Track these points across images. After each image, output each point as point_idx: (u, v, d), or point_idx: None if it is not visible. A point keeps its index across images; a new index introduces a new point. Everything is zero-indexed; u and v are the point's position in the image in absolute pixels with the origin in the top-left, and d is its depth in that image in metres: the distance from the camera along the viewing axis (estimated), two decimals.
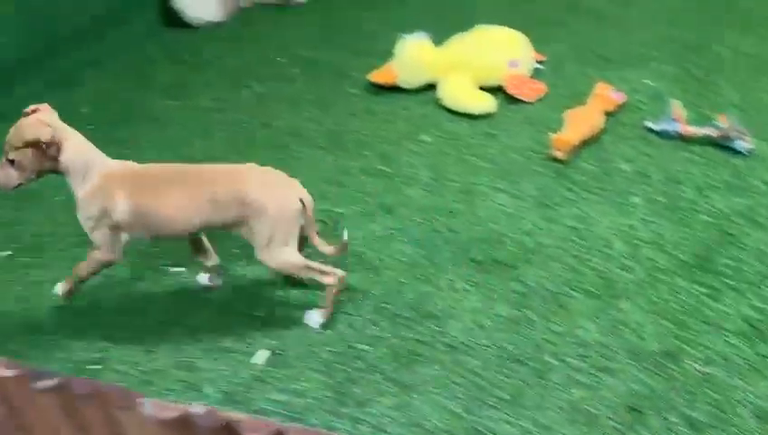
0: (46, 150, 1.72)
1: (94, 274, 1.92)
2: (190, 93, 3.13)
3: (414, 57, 2.83)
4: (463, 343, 1.72)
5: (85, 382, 1.05)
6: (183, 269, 2.08)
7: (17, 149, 1.71)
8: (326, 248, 1.84)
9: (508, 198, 2.19)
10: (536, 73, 2.87)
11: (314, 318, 1.82)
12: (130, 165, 1.85)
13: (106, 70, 3.39)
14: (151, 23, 3.75)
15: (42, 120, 1.74)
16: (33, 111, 1.78)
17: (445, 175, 2.36)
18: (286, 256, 1.76)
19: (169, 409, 0.99)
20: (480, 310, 1.81)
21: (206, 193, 1.75)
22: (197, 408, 0.99)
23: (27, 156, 1.71)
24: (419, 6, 3.77)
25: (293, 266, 1.79)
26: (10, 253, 2.24)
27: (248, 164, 1.89)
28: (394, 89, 2.93)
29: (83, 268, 1.90)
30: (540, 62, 2.92)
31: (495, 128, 2.59)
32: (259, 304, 1.91)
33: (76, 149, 1.79)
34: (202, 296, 1.96)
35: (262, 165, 2.51)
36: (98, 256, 1.86)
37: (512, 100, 2.73)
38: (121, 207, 1.76)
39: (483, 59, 2.78)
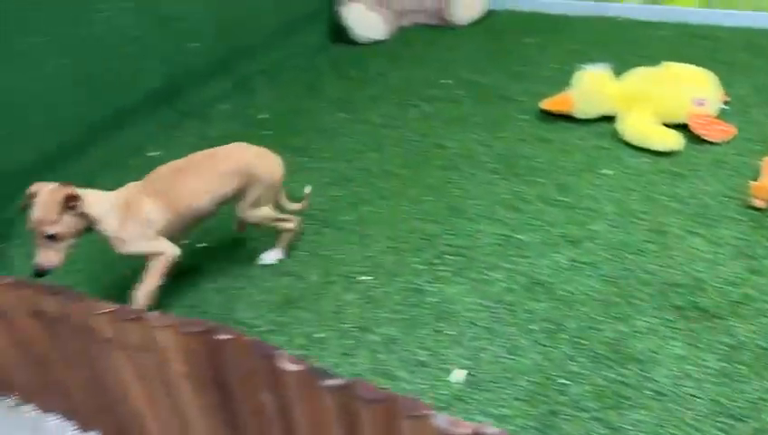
0: (77, 207, 1.77)
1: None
2: (358, 108, 3.24)
3: (594, 88, 2.79)
4: (671, 390, 1.65)
5: (372, 387, 1.10)
6: (371, 278, 2.15)
7: (54, 221, 1.73)
8: (294, 205, 2.30)
9: (705, 244, 2.10)
10: (721, 114, 2.76)
11: (270, 256, 2.23)
12: (134, 183, 2.00)
13: (278, 79, 3.57)
14: (319, 37, 3.94)
15: (55, 187, 1.78)
16: (38, 190, 1.78)
17: (631, 212, 2.30)
18: (264, 213, 2.14)
19: (462, 425, 1.02)
20: (685, 358, 1.74)
21: (215, 170, 2.02)
22: (490, 428, 1.01)
23: (66, 223, 1.75)
24: (581, 35, 3.73)
25: (268, 220, 2.16)
26: (205, 244, 2.39)
27: (237, 142, 2.20)
28: (564, 118, 2.91)
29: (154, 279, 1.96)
30: (725, 104, 2.80)
31: (681, 167, 2.50)
32: (450, 323, 1.93)
33: (91, 197, 1.84)
34: (392, 307, 2.01)
35: (437, 184, 2.59)
36: (166, 257, 1.95)
37: (696, 139, 2.63)
38: (153, 213, 1.91)
39: (667, 95, 2.70)
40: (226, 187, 2.04)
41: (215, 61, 3.28)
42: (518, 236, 2.25)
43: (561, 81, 3.24)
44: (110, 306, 1.33)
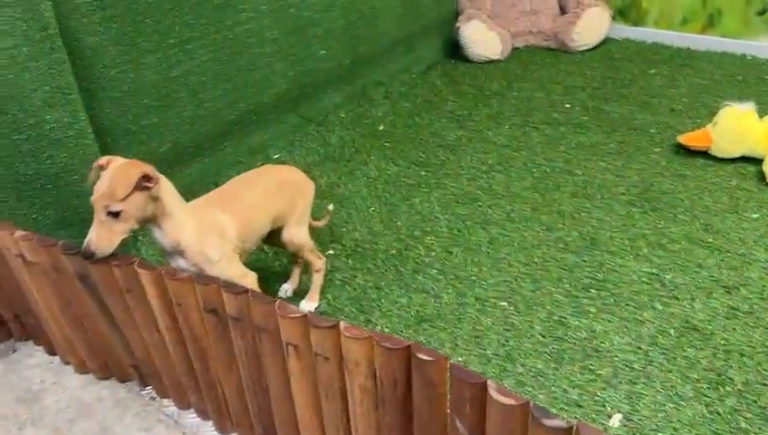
0: (152, 189, 1.50)
1: None
2: (478, 126, 3.19)
3: (739, 126, 2.65)
4: None
5: (596, 431, 1.02)
6: (506, 304, 2.07)
7: (122, 198, 1.44)
8: (315, 223, 2.18)
9: None
10: None
11: (307, 305, 2.10)
12: (196, 199, 1.79)
13: (394, 91, 3.55)
14: (433, 52, 3.91)
15: (131, 162, 1.51)
16: (108, 162, 1.51)
17: None
18: (306, 234, 2.02)
19: None
20: None
21: (272, 185, 1.90)
22: None
23: (134, 202, 1.47)
24: (709, 70, 3.57)
25: (308, 245, 2.04)
26: (331, 252, 2.36)
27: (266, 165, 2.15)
28: (700, 154, 2.78)
29: None
30: None
31: None
32: (601, 362, 1.83)
33: (167, 184, 1.58)
34: (536, 338, 1.93)
35: (570, 211, 2.49)
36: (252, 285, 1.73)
37: None
38: (228, 227, 1.71)
39: None
40: (280, 201, 1.90)
41: (337, 69, 3.29)
42: (666, 277, 2.13)
43: (693, 115, 3.12)
44: (299, 311, 1.29)
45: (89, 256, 1.48)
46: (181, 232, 1.58)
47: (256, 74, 2.85)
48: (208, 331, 1.49)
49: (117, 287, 1.54)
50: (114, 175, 1.46)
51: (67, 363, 2.00)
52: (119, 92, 2.35)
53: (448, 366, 1.15)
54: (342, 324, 1.26)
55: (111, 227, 1.47)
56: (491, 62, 3.87)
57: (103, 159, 1.52)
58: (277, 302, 1.32)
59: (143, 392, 1.88)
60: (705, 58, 3.74)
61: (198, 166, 2.72)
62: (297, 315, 1.29)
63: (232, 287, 1.38)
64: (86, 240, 1.48)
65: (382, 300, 2.12)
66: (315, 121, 3.22)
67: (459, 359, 1.88)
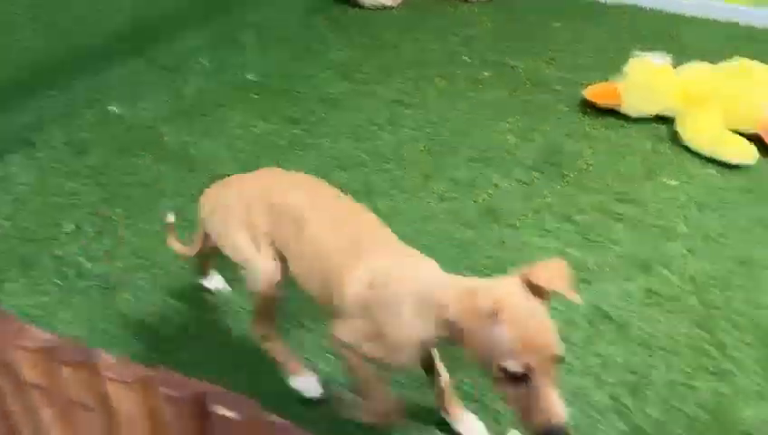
0: None
1: None
2: (366, 78, 2.74)
3: (650, 81, 2.37)
4: None
5: None
6: None
7: None
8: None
9: None
10: None
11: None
12: None
13: (268, 36, 3.02)
14: None
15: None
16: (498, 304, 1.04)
17: (707, 234, 1.88)
18: None
19: None
20: None
21: None
22: None
23: None
24: (617, 24, 3.30)
25: None
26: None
27: None
28: (611, 112, 2.48)
29: None
30: None
31: (757, 184, 2.11)
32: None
33: None
34: None
35: (466, 179, 2.12)
36: None
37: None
38: None
39: (736, 97, 2.28)
40: None
41: (196, 6, 2.72)
42: (574, 254, 1.81)
43: (602, 70, 2.82)
44: (41, 337, 0.80)
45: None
46: None
47: (81, 9, 2.24)
48: None
49: None
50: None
51: None
52: None
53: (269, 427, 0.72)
54: (104, 358, 0.79)
55: None
56: (384, 8, 3.41)
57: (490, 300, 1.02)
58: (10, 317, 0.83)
59: None
60: (615, 13, 3.46)
61: (4, 118, 2.10)
62: (34, 345, 0.80)
63: None
64: (557, 416, 0.99)
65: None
66: (167, 68, 2.64)
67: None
